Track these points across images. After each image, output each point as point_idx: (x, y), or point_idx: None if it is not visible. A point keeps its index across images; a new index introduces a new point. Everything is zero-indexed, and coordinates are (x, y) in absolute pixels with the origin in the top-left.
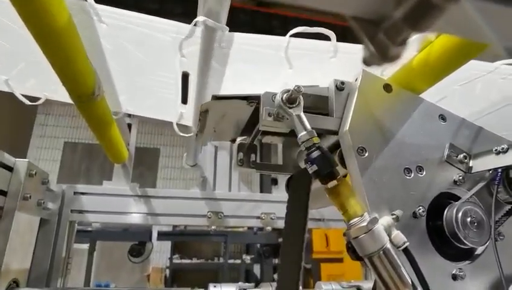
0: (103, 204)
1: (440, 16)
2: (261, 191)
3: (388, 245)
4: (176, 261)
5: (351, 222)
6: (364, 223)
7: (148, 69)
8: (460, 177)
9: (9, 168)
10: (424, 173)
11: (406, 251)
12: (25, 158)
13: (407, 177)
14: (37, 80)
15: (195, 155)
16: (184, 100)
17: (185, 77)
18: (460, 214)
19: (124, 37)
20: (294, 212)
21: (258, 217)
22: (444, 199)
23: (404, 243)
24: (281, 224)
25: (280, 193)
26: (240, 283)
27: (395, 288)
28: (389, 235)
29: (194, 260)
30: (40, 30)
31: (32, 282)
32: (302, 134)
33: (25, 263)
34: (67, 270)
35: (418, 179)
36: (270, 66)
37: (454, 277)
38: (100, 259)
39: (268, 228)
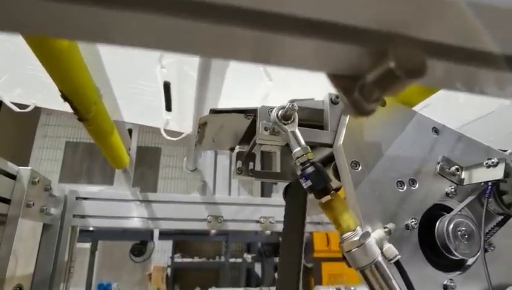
0: (105, 209)
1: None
2: (262, 193)
3: (379, 258)
4: (177, 260)
5: (344, 236)
6: (357, 238)
7: (134, 78)
8: (453, 190)
9: (13, 177)
10: (417, 185)
11: (398, 264)
12: (29, 158)
13: (400, 190)
14: (24, 89)
15: (195, 160)
16: (168, 108)
17: (167, 86)
18: (451, 226)
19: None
20: (292, 219)
21: (258, 221)
22: (437, 211)
23: (396, 256)
24: (280, 228)
25: (280, 197)
26: (241, 289)
27: None
28: (381, 248)
29: (196, 259)
30: (44, 51)
31: (36, 287)
32: (296, 150)
33: (29, 269)
34: (69, 274)
35: (410, 192)
36: (250, 78)
37: (445, 288)
38: (102, 258)
39: (268, 232)
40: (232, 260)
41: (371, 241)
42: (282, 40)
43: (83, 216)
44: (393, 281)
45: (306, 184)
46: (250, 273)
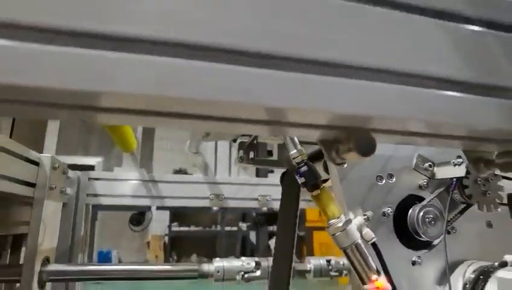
0: (115, 188)
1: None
2: (257, 173)
3: (359, 241)
4: (174, 229)
5: (330, 222)
6: (340, 224)
7: None
8: (425, 183)
9: (36, 163)
10: (394, 179)
11: (374, 245)
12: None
13: (379, 184)
14: None
15: (198, 144)
16: None
17: None
18: (421, 214)
19: None
20: (288, 202)
21: (256, 199)
22: (411, 200)
23: (373, 238)
24: (276, 205)
25: (275, 177)
26: (242, 258)
27: (364, 274)
28: (361, 232)
29: (192, 228)
30: None
31: (59, 258)
32: (293, 152)
33: (53, 243)
34: (86, 246)
35: (388, 185)
36: None
37: (413, 263)
38: (102, 227)
39: (264, 209)
40: (228, 228)
41: (352, 226)
42: (288, 130)
43: (95, 195)
44: (370, 259)
45: (300, 180)
46: (245, 240)
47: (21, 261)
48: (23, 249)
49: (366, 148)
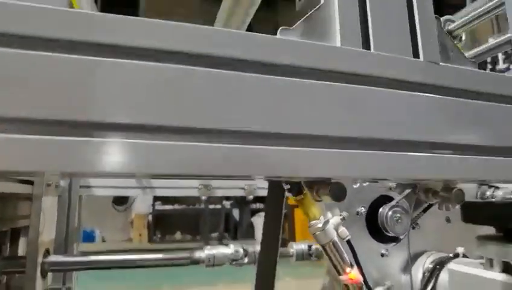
0: (107, 180)
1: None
2: None
3: (335, 238)
4: (158, 207)
5: (311, 223)
6: (320, 225)
7: None
8: (394, 185)
9: None
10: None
11: (348, 242)
12: None
13: (354, 187)
14: None
15: None
16: None
17: None
18: (390, 213)
19: None
20: (274, 202)
21: (242, 188)
22: (382, 200)
23: (347, 236)
24: (261, 193)
25: None
26: (231, 245)
27: (339, 266)
28: (337, 231)
29: (176, 206)
30: None
31: (56, 249)
32: None
33: (51, 235)
34: (79, 236)
35: (362, 187)
36: None
37: (382, 255)
38: (85, 207)
39: (250, 197)
40: (212, 206)
41: (330, 226)
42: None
43: (88, 187)
44: (345, 254)
45: (286, 187)
46: (229, 218)
47: (19, 253)
48: (21, 240)
49: (339, 195)
